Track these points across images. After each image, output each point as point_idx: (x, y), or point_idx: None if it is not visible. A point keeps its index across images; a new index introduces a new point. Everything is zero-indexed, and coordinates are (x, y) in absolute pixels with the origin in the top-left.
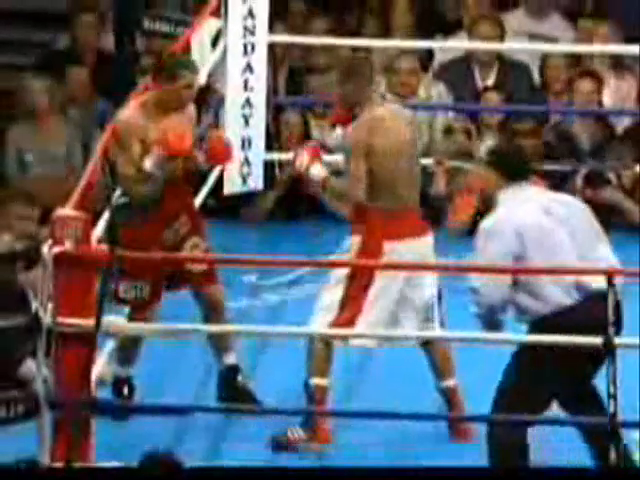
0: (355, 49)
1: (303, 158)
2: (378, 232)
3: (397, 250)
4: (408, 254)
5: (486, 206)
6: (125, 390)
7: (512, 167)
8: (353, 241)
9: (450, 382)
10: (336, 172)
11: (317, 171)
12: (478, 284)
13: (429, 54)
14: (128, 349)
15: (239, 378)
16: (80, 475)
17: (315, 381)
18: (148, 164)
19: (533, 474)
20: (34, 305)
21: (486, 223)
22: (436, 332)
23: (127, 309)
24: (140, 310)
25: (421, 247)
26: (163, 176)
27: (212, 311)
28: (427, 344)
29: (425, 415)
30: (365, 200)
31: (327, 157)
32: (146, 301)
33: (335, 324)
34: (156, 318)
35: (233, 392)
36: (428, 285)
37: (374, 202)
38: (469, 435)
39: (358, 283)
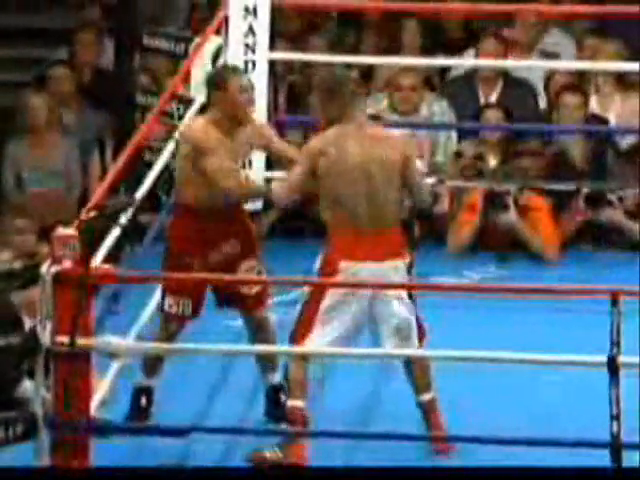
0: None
1: None
2: (336, 252)
3: (352, 270)
4: (365, 275)
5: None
6: (143, 401)
7: None
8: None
9: (427, 396)
10: None
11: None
12: None
13: (442, 72)
14: (153, 360)
15: (282, 397)
16: (80, 475)
17: (292, 403)
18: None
19: (533, 474)
20: (28, 324)
21: None
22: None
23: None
24: (176, 324)
25: (384, 271)
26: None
27: (260, 334)
28: (408, 362)
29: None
30: (328, 220)
31: None
32: (186, 317)
33: (293, 337)
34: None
35: (277, 410)
36: (401, 304)
37: (333, 221)
38: (451, 450)
39: (312, 303)
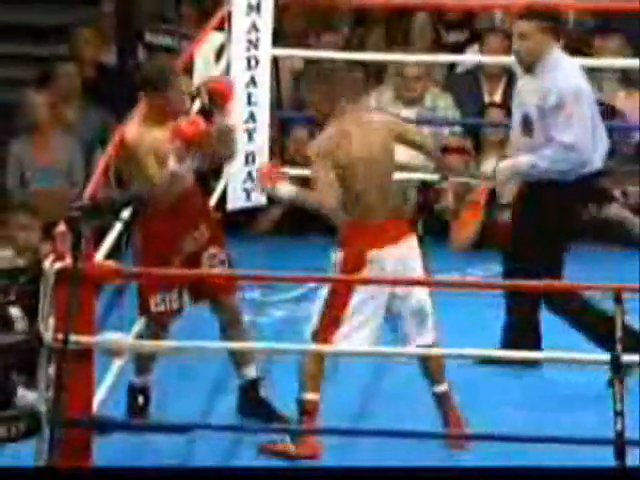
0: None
1: (266, 181)
2: (357, 243)
3: (379, 258)
4: (389, 261)
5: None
6: (140, 399)
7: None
8: (337, 256)
9: (442, 387)
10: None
11: (285, 190)
12: (573, 140)
13: (450, 68)
14: (145, 358)
15: (261, 392)
16: (81, 475)
17: (306, 396)
18: (172, 163)
19: (533, 474)
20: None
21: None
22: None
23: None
24: (165, 321)
25: (402, 252)
26: (188, 169)
27: (230, 322)
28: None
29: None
30: (341, 212)
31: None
32: (175, 311)
33: (317, 330)
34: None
35: (254, 406)
36: (416, 293)
37: (349, 214)
38: (467, 446)
39: (339, 295)
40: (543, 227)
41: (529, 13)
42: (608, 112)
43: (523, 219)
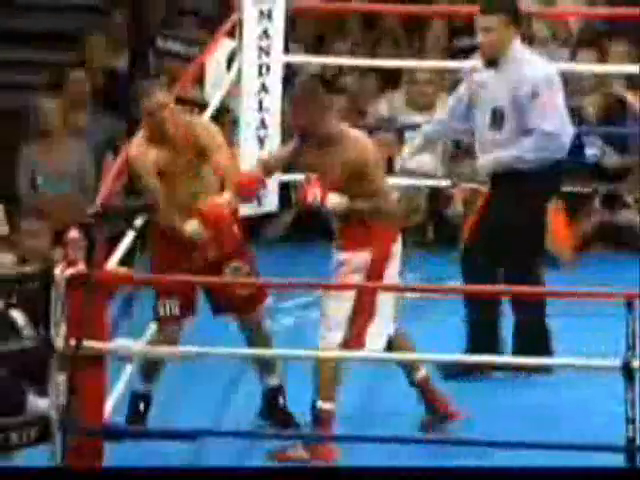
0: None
1: (315, 194)
2: (386, 239)
3: (396, 250)
4: (398, 251)
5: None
6: (141, 406)
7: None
8: (354, 257)
9: (421, 373)
10: None
11: (336, 200)
12: (553, 128)
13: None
14: (151, 367)
15: (280, 400)
16: (90, 476)
17: (322, 405)
18: (189, 228)
19: (533, 474)
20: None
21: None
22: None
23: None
24: (168, 325)
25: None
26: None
27: (255, 334)
28: (391, 345)
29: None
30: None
31: None
32: (174, 317)
33: (350, 337)
34: (182, 337)
35: (273, 413)
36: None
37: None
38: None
39: (366, 299)
40: (521, 216)
41: (492, 7)
42: (618, 107)
43: (500, 210)
